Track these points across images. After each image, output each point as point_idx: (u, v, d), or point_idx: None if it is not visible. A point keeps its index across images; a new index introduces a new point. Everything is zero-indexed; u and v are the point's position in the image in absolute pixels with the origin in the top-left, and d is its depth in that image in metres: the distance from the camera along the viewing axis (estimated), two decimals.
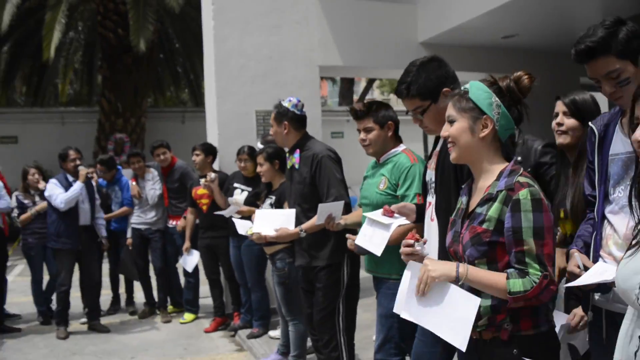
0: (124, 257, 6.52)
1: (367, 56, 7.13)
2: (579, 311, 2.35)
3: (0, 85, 16.31)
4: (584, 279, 1.98)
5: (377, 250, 2.63)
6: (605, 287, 1.99)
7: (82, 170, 5.86)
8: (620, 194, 2.09)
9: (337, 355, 3.58)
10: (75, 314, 6.28)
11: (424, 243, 2.06)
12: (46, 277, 6.53)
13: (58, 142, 14.10)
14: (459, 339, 1.83)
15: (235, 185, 5.45)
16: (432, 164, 2.55)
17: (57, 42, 10.19)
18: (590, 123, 2.29)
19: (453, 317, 1.85)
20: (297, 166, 3.75)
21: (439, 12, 6.90)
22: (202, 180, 5.58)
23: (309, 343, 4.29)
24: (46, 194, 5.89)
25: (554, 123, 2.86)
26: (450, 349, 2.48)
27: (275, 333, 5.24)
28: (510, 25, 6.82)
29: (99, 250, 6.29)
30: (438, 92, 2.44)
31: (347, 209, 3.50)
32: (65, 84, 18.85)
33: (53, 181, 5.90)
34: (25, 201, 6.38)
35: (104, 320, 6.20)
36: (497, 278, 1.85)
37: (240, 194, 5.33)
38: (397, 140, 3.26)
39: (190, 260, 6.04)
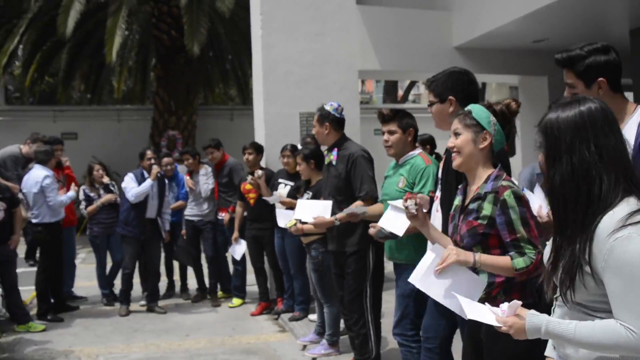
0: (179, 245, 7.14)
1: (404, 60, 7.54)
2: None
3: (60, 83, 17.28)
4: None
5: (399, 231, 3.10)
6: None
7: (154, 169, 6.49)
8: None
9: (365, 331, 4.09)
10: (135, 297, 6.92)
11: (415, 203, 2.52)
12: (109, 264, 7.22)
13: (114, 138, 15.10)
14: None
15: (280, 180, 5.99)
16: (441, 164, 3.04)
17: (118, 46, 10.90)
18: None
19: (461, 293, 2.22)
20: (334, 162, 4.29)
21: (472, 18, 7.25)
22: (249, 177, 6.13)
23: (342, 325, 4.81)
24: (122, 185, 6.58)
25: None
26: (453, 322, 2.95)
27: (314, 317, 5.73)
28: (541, 30, 7.09)
29: (161, 241, 6.94)
30: (446, 96, 2.92)
31: (375, 202, 4.01)
32: (120, 82, 19.79)
33: (130, 175, 6.57)
34: (91, 194, 7.07)
35: (160, 304, 6.80)
36: (504, 261, 2.33)
37: (283, 188, 5.87)
38: (415, 145, 3.72)
39: (239, 249, 6.60)
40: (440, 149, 5.63)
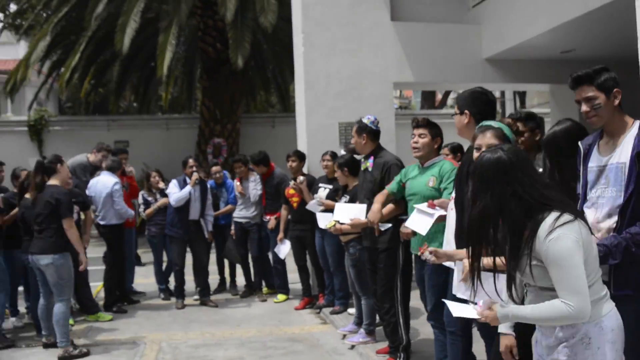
0: (229, 245, 7.76)
1: (436, 72, 8.00)
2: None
3: (113, 94, 18.26)
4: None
5: (423, 231, 3.67)
6: None
7: (193, 177, 7.12)
8: (593, 194, 2.98)
9: (395, 320, 4.67)
10: (189, 293, 7.57)
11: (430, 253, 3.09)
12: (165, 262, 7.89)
13: (163, 145, 15.90)
14: None
15: (320, 185, 6.56)
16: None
17: (169, 61, 11.63)
18: (579, 142, 3.19)
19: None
20: (370, 169, 4.89)
21: (501, 31, 7.63)
22: (292, 183, 6.72)
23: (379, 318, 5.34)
24: (167, 190, 7.25)
25: None
26: None
27: (353, 310, 6.26)
28: (568, 41, 7.40)
29: (205, 241, 7.57)
30: (464, 110, 3.46)
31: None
32: (167, 92, 20.70)
33: (174, 181, 7.24)
34: (149, 198, 7.78)
35: (212, 298, 7.43)
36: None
37: (323, 191, 6.42)
38: (439, 153, 4.28)
39: (283, 248, 7.17)
40: None
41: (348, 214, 4.80)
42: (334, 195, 6.18)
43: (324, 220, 5.71)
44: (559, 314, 2.15)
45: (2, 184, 6.80)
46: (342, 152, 6.38)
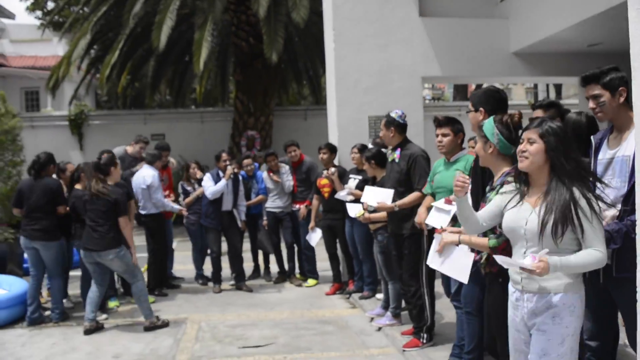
0: (261, 235, 8.12)
1: (464, 66, 8.19)
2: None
3: (149, 88, 18.79)
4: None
5: (441, 226, 3.93)
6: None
7: (228, 170, 7.48)
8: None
9: (421, 302, 4.95)
10: (225, 278, 7.96)
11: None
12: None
13: (198, 138, 16.37)
14: (463, 277, 3.42)
15: (350, 176, 6.85)
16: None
17: (205, 57, 11.99)
18: (591, 137, 3.43)
19: (458, 264, 3.41)
20: (397, 160, 5.19)
21: (528, 25, 7.78)
22: (324, 172, 7.03)
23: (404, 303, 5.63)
24: (202, 183, 7.63)
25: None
26: (482, 287, 3.73)
27: (381, 295, 6.56)
28: (595, 35, 7.51)
29: (239, 229, 7.92)
30: (478, 107, 3.72)
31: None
32: (201, 86, 21.17)
33: (208, 175, 7.62)
34: (188, 188, 8.17)
35: (247, 284, 7.79)
36: (482, 240, 3.19)
37: (353, 181, 6.72)
38: (462, 147, 4.53)
39: (314, 236, 7.49)
40: None
41: (375, 197, 5.15)
42: (363, 186, 6.46)
43: (353, 210, 6.00)
44: (595, 259, 2.61)
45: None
46: (370, 145, 6.66)
